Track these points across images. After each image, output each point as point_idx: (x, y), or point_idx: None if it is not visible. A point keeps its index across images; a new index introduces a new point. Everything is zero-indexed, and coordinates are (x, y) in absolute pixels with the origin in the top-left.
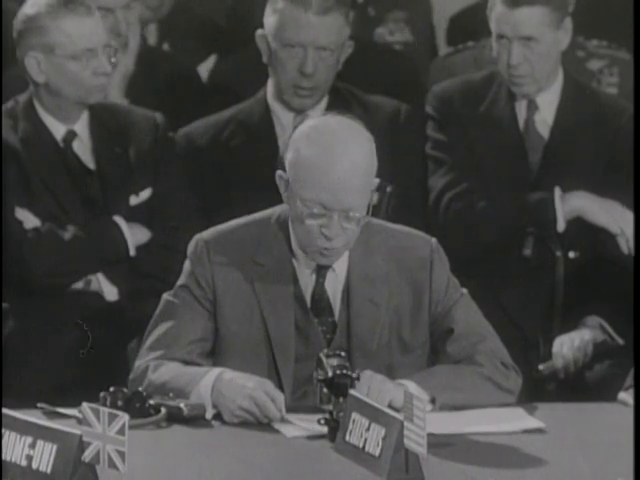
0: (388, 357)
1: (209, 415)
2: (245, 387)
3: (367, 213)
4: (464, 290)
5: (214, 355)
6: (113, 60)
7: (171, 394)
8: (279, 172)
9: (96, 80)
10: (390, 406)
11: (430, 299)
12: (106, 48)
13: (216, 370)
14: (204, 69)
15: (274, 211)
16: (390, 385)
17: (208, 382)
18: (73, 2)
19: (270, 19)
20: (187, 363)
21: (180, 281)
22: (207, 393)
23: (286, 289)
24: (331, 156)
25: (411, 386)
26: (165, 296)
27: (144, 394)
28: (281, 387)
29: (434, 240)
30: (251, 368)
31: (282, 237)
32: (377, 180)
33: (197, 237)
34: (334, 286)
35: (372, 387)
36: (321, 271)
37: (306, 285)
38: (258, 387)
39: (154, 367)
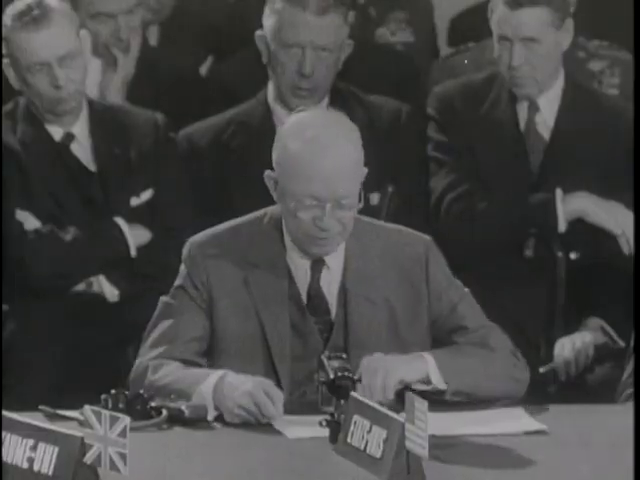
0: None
1: (210, 416)
2: (244, 385)
3: (359, 202)
4: (466, 289)
5: (211, 355)
6: (115, 67)
7: (172, 396)
8: (267, 172)
9: (55, 93)
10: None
11: (429, 294)
12: (64, 60)
13: (219, 372)
14: (205, 70)
15: (266, 211)
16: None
17: (210, 383)
18: (25, 16)
19: (269, 20)
20: (185, 361)
21: (176, 283)
22: (209, 394)
23: (281, 288)
24: (318, 147)
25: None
26: (162, 298)
27: (145, 396)
28: (279, 387)
29: (428, 238)
30: (248, 368)
31: (275, 236)
32: (365, 169)
33: (190, 240)
34: (330, 284)
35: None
36: (316, 267)
37: (301, 283)
38: (257, 386)
39: (154, 368)
